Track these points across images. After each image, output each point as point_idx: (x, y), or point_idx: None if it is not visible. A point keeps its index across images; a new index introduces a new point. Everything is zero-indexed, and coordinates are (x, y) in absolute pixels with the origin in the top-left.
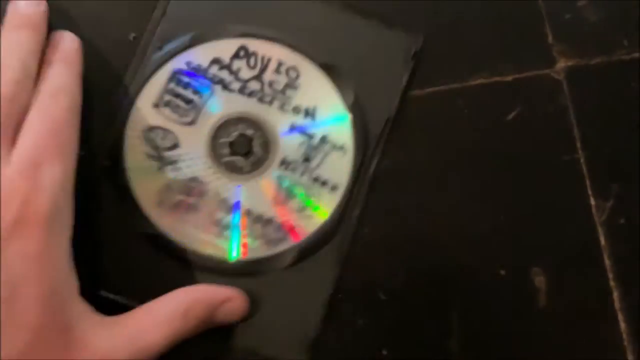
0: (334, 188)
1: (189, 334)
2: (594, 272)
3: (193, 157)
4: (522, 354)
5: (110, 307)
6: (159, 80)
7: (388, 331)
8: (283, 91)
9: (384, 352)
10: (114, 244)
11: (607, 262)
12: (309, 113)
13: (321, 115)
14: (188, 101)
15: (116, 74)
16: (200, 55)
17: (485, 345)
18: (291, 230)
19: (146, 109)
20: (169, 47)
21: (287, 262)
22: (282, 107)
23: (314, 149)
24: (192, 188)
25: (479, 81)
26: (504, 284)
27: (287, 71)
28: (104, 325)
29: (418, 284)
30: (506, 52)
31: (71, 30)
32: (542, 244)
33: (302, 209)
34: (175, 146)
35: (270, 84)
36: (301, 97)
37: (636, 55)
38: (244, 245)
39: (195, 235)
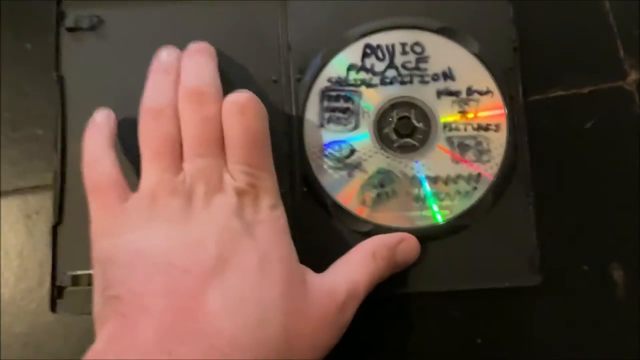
0: (497, 128)
1: (381, 272)
2: None
3: (370, 154)
4: (602, 341)
5: None
6: (313, 104)
7: (482, 321)
8: (417, 67)
9: (479, 341)
10: (333, 249)
11: None
12: (447, 75)
13: (457, 72)
14: (344, 110)
15: (275, 112)
16: (336, 68)
17: (570, 333)
18: (480, 173)
19: (315, 132)
20: (308, 74)
21: (488, 203)
22: (422, 80)
23: (465, 102)
24: (382, 179)
25: (558, 93)
26: (587, 277)
27: (412, 49)
28: (321, 274)
29: None
30: (582, 67)
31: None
32: (619, 242)
33: (479, 155)
34: (352, 152)
35: (404, 65)
36: (434, 65)
37: None
38: (446, 207)
39: (403, 215)
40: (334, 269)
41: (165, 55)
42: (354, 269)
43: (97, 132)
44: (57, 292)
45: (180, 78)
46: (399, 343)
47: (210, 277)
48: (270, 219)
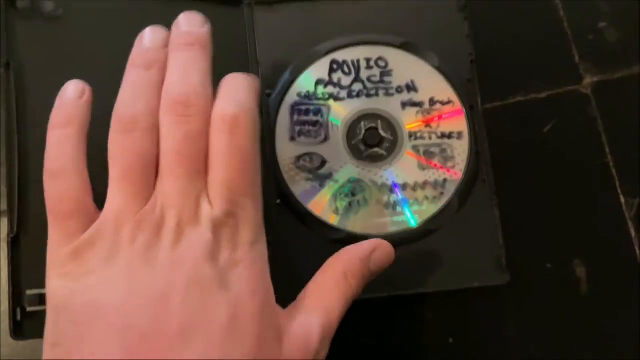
0: (459, 136)
1: (355, 292)
2: (627, 261)
3: (341, 165)
4: (568, 335)
5: None
6: (284, 118)
7: (453, 320)
8: (381, 80)
9: (451, 340)
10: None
11: (638, 251)
12: (410, 87)
13: (420, 84)
14: (314, 124)
15: None
16: (304, 83)
17: (538, 329)
18: (446, 178)
19: (286, 145)
20: (277, 89)
21: (455, 207)
22: (387, 93)
23: (428, 112)
24: (354, 188)
25: (517, 99)
26: (551, 275)
27: (376, 63)
28: (292, 312)
29: None
30: (539, 72)
31: None
32: (581, 239)
33: (444, 162)
34: (323, 163)
35: (369, 79)
36: (398, 78)
37: None
38: (416, 212)
39: (375, 222)
40: (306, 300)
41: (149, 39)
42: (327, 298)
43: (67, 122)
44: (21, 315)
45: (165, 78)
46: (373, 344)
47: (171, 347)
48: (249, 260)
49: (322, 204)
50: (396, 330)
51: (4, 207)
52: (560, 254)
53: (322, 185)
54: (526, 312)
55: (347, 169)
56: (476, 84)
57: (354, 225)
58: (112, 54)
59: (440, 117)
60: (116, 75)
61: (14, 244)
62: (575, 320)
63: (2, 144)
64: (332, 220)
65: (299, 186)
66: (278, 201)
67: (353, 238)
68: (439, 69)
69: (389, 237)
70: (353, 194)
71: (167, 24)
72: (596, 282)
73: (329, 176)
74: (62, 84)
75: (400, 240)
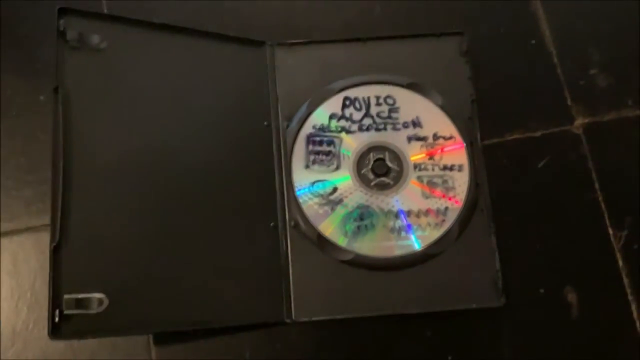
0: (460, 168)
1: None
2: (615, 288)
3: (351, 191)
4: (559, 356)
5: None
6: (300, 148)
7: (452, 339)
8: (389, 116)
9: (449, 358)
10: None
11: (626, 279)
12: (416, 123)
13: (424, 121)
14: (327, 153)
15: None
16: (320, 116)
17: (531, 350)
18: (448, 207)
19: (301, 172)
20: (294, 121)
21: (456, 233)
22: (394, 128)
23: (432, 146)
24: (362, 213)
25: (514, 136)
26: (543, 300)
27: (385, 100)
28: None
29: None
30: (535, 113)
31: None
32: (572, 267)
33: (446, 191)
34: (334, 189)
35: (378, 114)
36: (405, 115)
37: (638, 112)
38: (419, 237)
39: (381, 245)
40: None
41: None
42: None
43: None
44: (59, 317)
45: None
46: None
47: None
48: None
49: (332, 227)
50: (397, 347)
51: (47, 221)
52: (553, 281)
53: (332, 210)
54: (520, 333)
55: (356, 196)
56: (476, 122)
57: (361, 247)
58: (150, 85)
59: (442, 151)
60: (153, 104)
61: (56, 252)
62: (566, 342)
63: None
64: (341, 242)
65: (311, 210)
66: (292, 223)
67: (360, 259)
68: (442, 107)
69: (393, 260)
70: (361, 219)
71: (200, 59)
72: (586, 307)
73: (339, 202)
74: (104, 109)
75: (404, 262)
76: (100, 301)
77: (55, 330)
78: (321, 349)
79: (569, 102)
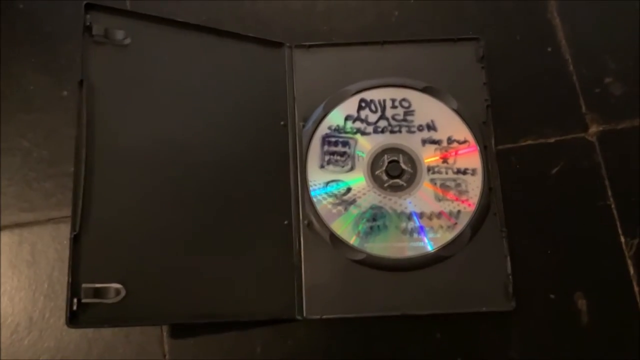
0: (473, 172)
1: None
2: (625, 296)
3: (364, 192)
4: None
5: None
6: (315, 148)
7: (461, 342)
8: (405, 119)
9: None
10: (330, 275)
11: (636, 288)
12: (431, 127)
13: (439, 124)
14: (342, 154)
15: (284, 153)
16: (335, 117)
17: (539, 354)
18: (460, 210)
19: (316, 172)
20: (310, 122)
21: (468, 236)
22: (409, 130)
23: (446, 149)
24: (375, 213)
25: (527, 142)
26: (554, 305)
27: (401, 104)
28: None
29: None
30: (549, 120)
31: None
32: (583, 273)
33: (459, 195)
34: (348, 190)
35: (393, 117)
36: (420, 118)
37: None
38: (431, 239)
39: (393, 245)
40: None
41: None
42: None
43: None
44: (77, 305)
45: None
46: None
47: None
48: None
49: (345, 227)
50: (406, 348)
51: (66, 213)
52: (563, 287)
53: (346, 210)
54: (529, 337)
55: (369, 197)
56: (490, 127)
57: (373, 247)
58: (172, 81)
59: (456, 154)
60: (174, 100)
61: (75, 241)
62: (574, 348)
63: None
64: (353, 241)
65: (325, 209)
66: (306, 222)
67: (372, 259)
68: (457, 111)
69: (405, 261)
70: (374, 219)
71: (220, 58)
72: (596, 314)
73: (352, 202)
74: (127, 103)
75: (415, 264)
76: (118, 291)
77: (73, 319)
78: (331, 347)
79: (583, 109)
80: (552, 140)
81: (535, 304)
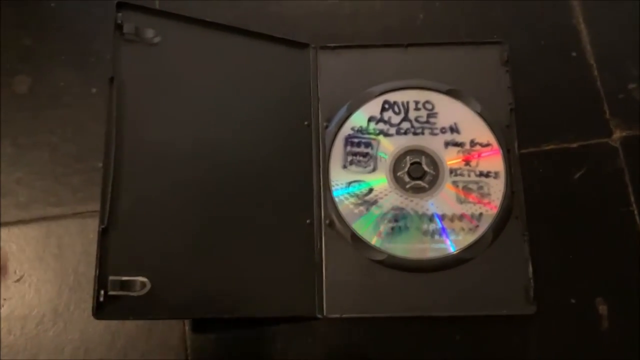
0: (496, 175)
1: None
2: None
3: (386, 193)
4: None
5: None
6: (338, 148)
7: (481, 345)
8: (427, 121)
9: None
10: (350, 275)
11: None
12: (454, 129)
13: (462, 127)
14: (364, 155)
15: (306, 153)
16: (358, 118)
17: (559, 358)
18: (482, 213)
19: (339, 173)
20: (334, 122)
21: (489, 239)
22: (432, 132)
23: (469, 152)
24: (397, 214)
25: (550, 147)
26: (575, 310)
27: (424, 106)
28: None
29: None
30: (573, 125)
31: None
32: (604, 279)
33: (481, 197)
34: (370, 190)
35: (416, 119)
36: (443, 120)
37: None
38: (453, 241)
39: (414, 247)
40: None
41: None
42: None
43: None
44: (104, 297)
45: None
46: None
47: None
48: None
49: (367, 227)
50: (425, 350)
51: (93, 207)
52: (584, 291)
53: (367, 210)
54: (549, 342)
55: (391, 198)
56: (514, 130)
57: (394, 248)
58: (199, 80)
59: (479, 157)
60: (201, 98)
61: (103, 235)
62: (594, 353)
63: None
64: (375, 242)
65: (347, 209)
66: (328, 221)
67: (393, 260)
68: (481, 114)
69: (426, 262)
70: (396, 220)
71: (247, 58)
72: (616, 319)
73: (374, 202)
74: (155, 101)
75: (437, 265)
76: (143, 284)
77: (100, 310)
78: (350, 346)
79: (607, 115)
80: (575, 145)
81: (556, 308)
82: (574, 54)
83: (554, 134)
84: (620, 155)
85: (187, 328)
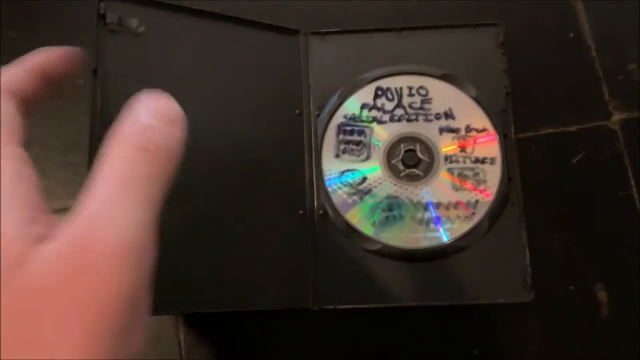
0: (492, 161)
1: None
2: None
3: (380, 182)
4: (587, 355)
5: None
6: (330, 137)
7: (478, 334)
8: (422, 107)
9: (475, 352)
10: (345, 266)
11: None
12: (448, 115)
13: (457, 113)
14: (357, 143)
15: (298, 142)
16: (351, 106)
17: (558, 347)
18: (478, 200)
19: (331, 162)
20: (326, 110)
21: (485, 227)
22: (426, 119)
23: (464, 138)
24: (391, 203)
25: (548, 131)
26: (574, 297)
27: (418, 91)
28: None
29: None
30: (571, 107)
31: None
32: (603, 265)
33: (477, 184)
34: (364, 179)
35: (410, 105)
36: (437, 106)
37: None
38: (448, 230)
39: (409, 236)
40: None
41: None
42: None
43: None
44: None
45: None
46: (400, 354)
47: None
48: None
49: (360, 216)
50: (422, 340)
51: (59, 206)
52: (583, 278)
53: (361, 199)
54: (548, 329)
55: (385, 186)
56: (510, 115)
57: (388, 237)
58: (186, 70)
59: (475, 143)
60: (188, 88)
61: None
62: (594, 341)
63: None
64: (369, 231)
65: (340, 199)
66: (321, 211)
67: (387, 249)
68: (476, 99)
69: (421, 251)
70: (390, 209)
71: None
72: (616, 306)
73: (368, 191)
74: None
75: (432, 254)
76: None
77: None
78: (346, 338)
79: (606, 97)
80: (573, 128)
81: (555, 296)
82: (571, 34)
83: (551, 117)
84: (620, 139)
85: (180, 322)
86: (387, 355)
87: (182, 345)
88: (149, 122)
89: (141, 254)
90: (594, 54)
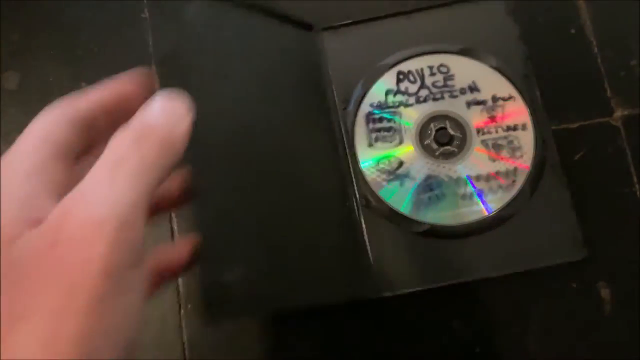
0: (524, 127)
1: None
2: None
3: (416, 164)
4: (590, 353)
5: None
6: (360, 128)
7: (480, 331)
8: (445, 85)
9: (477, 350)
10: (395, 252)
11: None
12: (473, 88)
13: (481, 84)
14: (388, 129)
15: (330, 138)
16: (375, 94)
17: (560, 345)
18: (517, 167)
19: (365, 151)
20: (352, 102)
21: (528, 193)
22: (452, 95)
23: (492, 109)
24: (431, 183)
25: (551, 127)
26: (575, 294)
27: (439, 69)
28: None
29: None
30: (572, 104)
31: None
32: (606, 262)
33: (512, 152)
34: (400, 164)
35: (434, 84)
36: (460, 81)
37: None
38: (491, 201)
39: (454, 213)
40: None
41: None
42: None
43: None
44: None
45: None
46: (402, 353)
47: None
48: None
49: (403, 201)
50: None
51: None
52: (586, 275)
53: (402, 184)
54: (549, 327)
55: (422, 167)
56: (533, 79)
57: (434, 217)
58: (225, 60)
59: (504, 112)
60: (228, 78)
61: None
62: (596, 339)
63: None
64: (414, 214)
65: (381, 187)
66: (363, 202)
67: (435, 229)
68: (497, 68)
69: (467, 226)
70: (431, 189)
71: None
72: (620, 304)
73: (406, 175)
74: (186, 80)
75: (479, 228)
76: None
77: None
78: (345, 337)
79: (608, 93)
80: (575, 125)
81: (557, 293)
82: (573, 30)
83: (553, 114)
84: (622, 135)
85: (183, 321)
86: (387, 354)
87: (186, 345)
88: (154, 114)
89: (125, 229)
90: (595, 50)
